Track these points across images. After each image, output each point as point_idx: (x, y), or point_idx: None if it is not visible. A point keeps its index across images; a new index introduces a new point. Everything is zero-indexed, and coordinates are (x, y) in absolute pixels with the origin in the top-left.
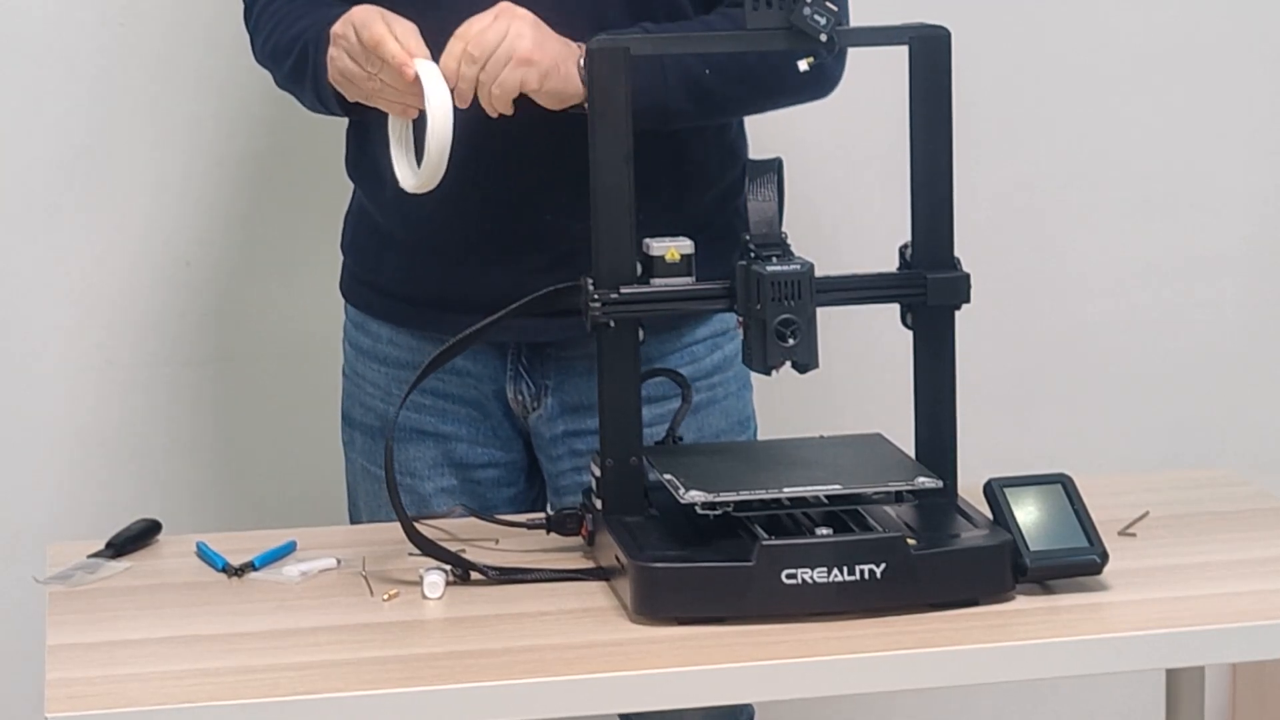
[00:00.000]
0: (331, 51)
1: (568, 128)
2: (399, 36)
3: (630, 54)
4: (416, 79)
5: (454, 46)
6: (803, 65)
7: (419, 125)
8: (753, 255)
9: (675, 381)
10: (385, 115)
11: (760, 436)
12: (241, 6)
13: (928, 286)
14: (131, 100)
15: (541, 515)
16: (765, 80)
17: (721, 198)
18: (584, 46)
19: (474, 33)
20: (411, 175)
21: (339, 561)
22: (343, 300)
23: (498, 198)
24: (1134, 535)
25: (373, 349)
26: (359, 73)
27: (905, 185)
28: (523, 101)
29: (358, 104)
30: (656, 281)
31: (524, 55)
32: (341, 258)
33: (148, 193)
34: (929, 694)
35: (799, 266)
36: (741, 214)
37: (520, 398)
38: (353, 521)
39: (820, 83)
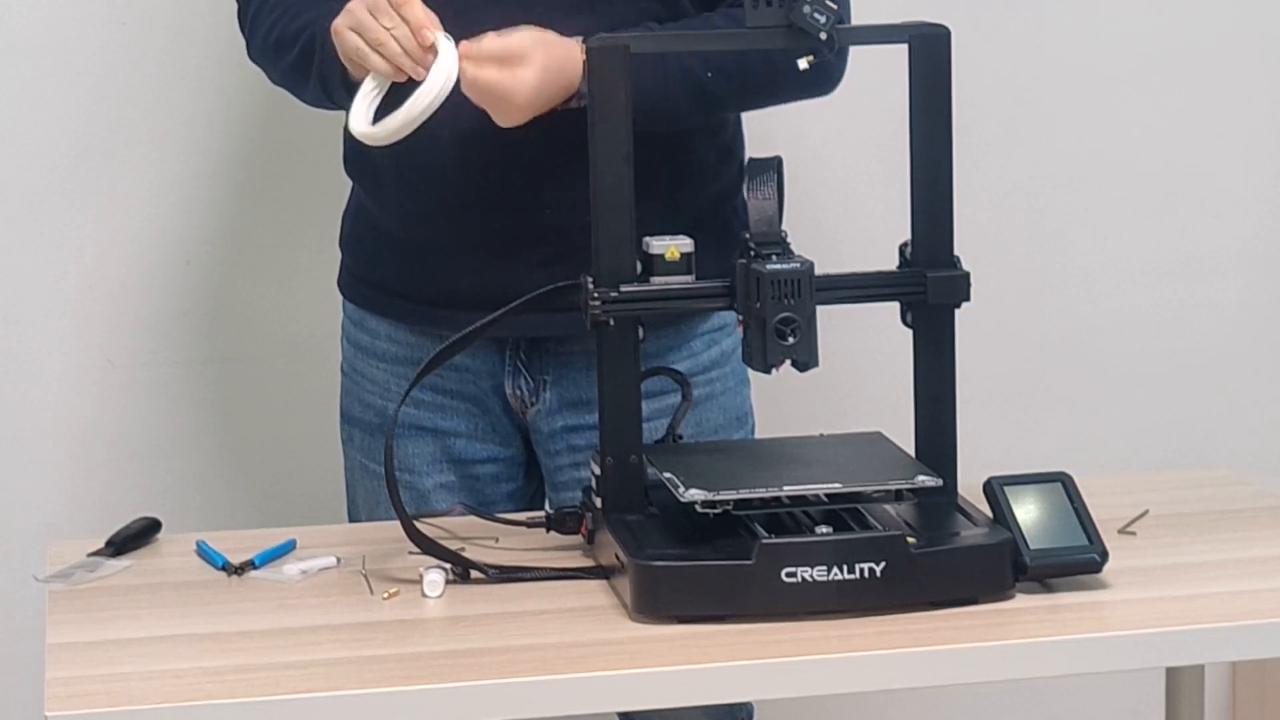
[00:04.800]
0: (351, 3)
1: (567, 125)
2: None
3: (630, 52)
4: (427, 49)
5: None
6: (802, 64)
7: (396, 88)
8: (752, 254)
9: (676, 380)
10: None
11: (760, 435)
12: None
13: (928, 285)
14: (132, 100)
15: (541, 514)
16: (766, 78)
17: (719, 196)
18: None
19: (480, 57)
20: (366, 123)
21: (339, 560)
22: (341, 298)
23: (497, 195)
24: (1134, 534)
25: (371, 346)
26: (371, 23)
27: (905, 184)
28: None
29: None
30: (656, 280)
31: (518, 108)
32: (340, 255)
33: (148, 192)
34: (928, 693)
35: (799, 265)
36: (739, 212)
37: (518, 393)
38: (351, 519)
39: (822, 79)
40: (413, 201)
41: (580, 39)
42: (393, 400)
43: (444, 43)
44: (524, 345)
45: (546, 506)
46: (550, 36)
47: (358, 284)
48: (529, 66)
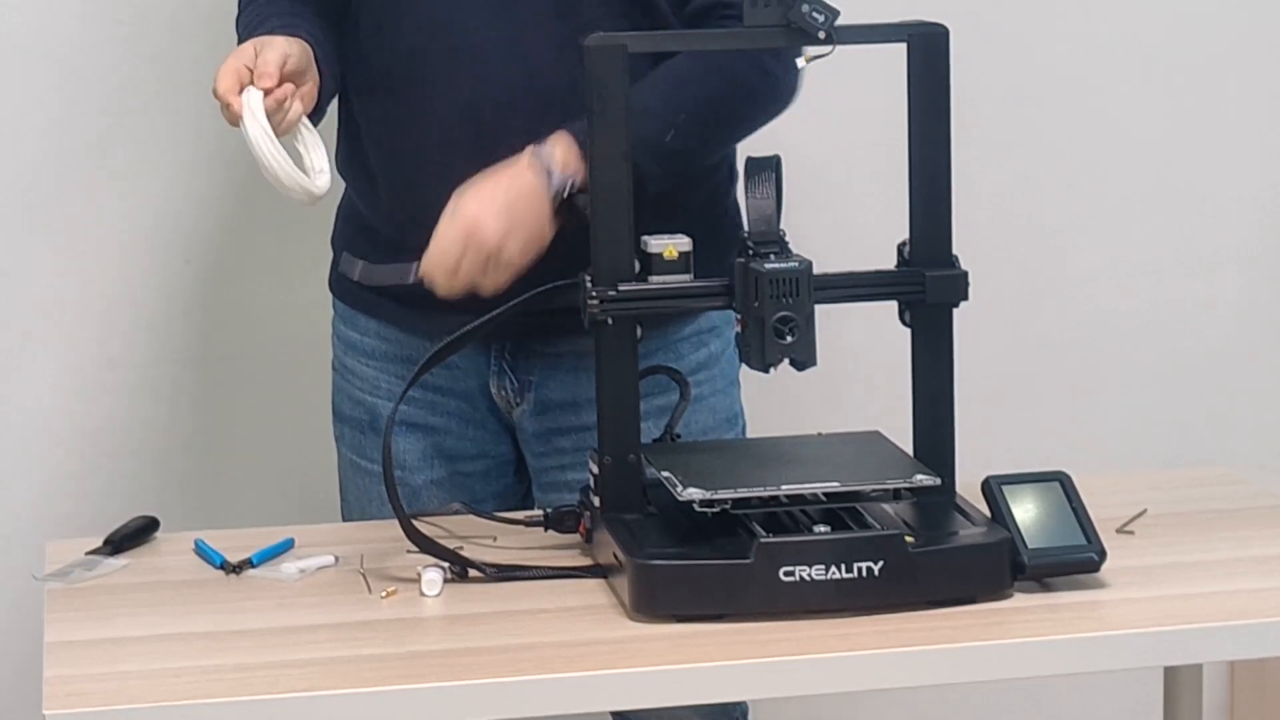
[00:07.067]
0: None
1: (556, 131)
2: (260, 64)
3: (628, 51)
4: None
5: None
6: (801, 63)
7: None
8: (751, 253)
9: (674, 380)
10: (368, 116)
11: (758, 434)
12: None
13: (926, 284)
14: (132, 100)
15: (540, 513)
16: (725, 122)
17: (710, 198)
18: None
19: (438, 259)
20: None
21: (337, 559)
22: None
23: None
24: (1132, 533)
25: (360, 343)
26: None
27: (904, 183)
28: (513, 95)
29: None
30: (655, 279)
31: (486, 212)
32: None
33: (146, 191)
34: (927, 692)
35: (797, 264)
36: (731, 213)
37: (504, 393)
38: (344, 516)
39: (777, 100)
40: (400, 204)
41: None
42: (381, 397)
43: (245, 100)
44: (509, 346)
45: (540, 507)
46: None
47: (347, 282)
48: (456, 200)
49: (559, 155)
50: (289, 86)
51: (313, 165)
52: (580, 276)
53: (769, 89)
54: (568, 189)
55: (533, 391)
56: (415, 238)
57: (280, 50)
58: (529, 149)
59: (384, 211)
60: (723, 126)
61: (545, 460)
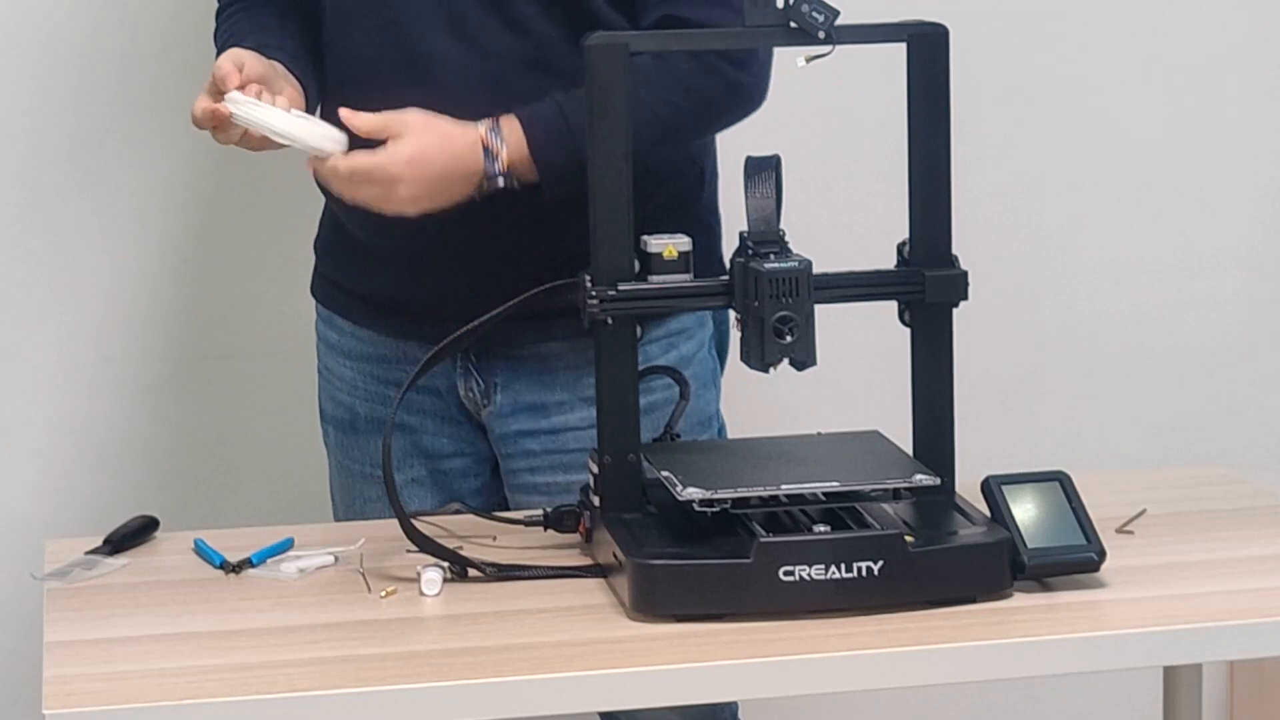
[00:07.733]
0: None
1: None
2: (222, 76)
3: (630, 50)
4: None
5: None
6: (801, 62)
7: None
8: (750, 252)
9: (673, 379)
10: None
11: (757, 434)
12: None
13: (926, 284)
14: (128, 98)
15: (539, 512)
16: (676, 133)
17: (672, 205)
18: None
19: (345, 181)
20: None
21: (336, 558)
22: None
23: (461, 207)
24: (1131, 533)
25: (339, 343)
26: None
27: (904, 183)
28: (466, 105)
29: None
30: (654, 278)
31: (398, 180)
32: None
33: (145, 190)
34: (926, 692)
35: (797, 264)
36: (704, 218)
37: (471, 394)
38: (335, 515)
39: (738, 107)
40: (356, 211)
41: (479, 125)
42: (359, 397)
43: (227, 102)
44: (473, 348)
45: (511, 506)
46: (435, 118)
47: (325, 285)
48: (404, 139)
49: (506, 153)
50: (255, 86)
51: (325, 133)
52: (580, 276)
53: (727, 98)
54: (498, 182)
55: (499, 394)
56: (378, 244)
57: (231, 58)
58: (485, 125)
59: (354, 217)
60: (671, 138)
61: (514, 462)
